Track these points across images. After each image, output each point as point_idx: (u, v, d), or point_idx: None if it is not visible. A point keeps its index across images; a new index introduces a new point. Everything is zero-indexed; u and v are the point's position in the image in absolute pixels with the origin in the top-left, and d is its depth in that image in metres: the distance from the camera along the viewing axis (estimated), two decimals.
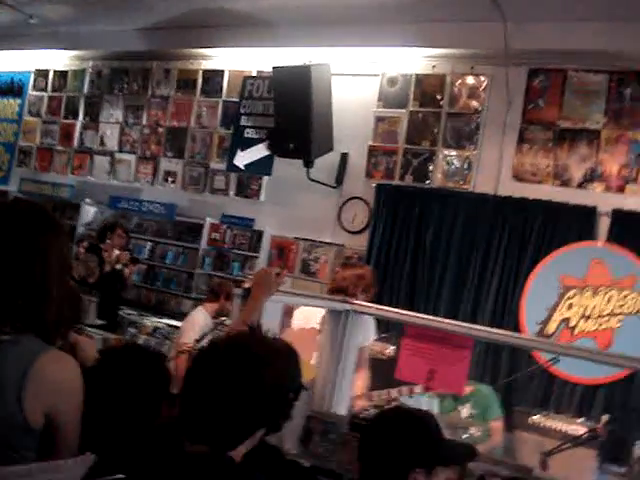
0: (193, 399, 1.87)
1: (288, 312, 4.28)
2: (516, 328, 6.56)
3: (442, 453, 2.19)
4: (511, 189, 7.04)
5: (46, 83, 11.03)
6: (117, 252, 7.91)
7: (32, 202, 2.12)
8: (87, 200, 10.10)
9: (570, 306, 6.58)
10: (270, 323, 2.84)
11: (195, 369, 1.92)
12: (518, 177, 7.08)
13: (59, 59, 10.71)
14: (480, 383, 5.64)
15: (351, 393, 3.86)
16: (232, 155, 8.64)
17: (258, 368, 1.84)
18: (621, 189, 6.65)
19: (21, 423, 1.78)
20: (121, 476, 1.54)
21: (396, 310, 3.85)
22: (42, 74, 11.09)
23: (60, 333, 1.95)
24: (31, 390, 1.78)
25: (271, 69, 7.67)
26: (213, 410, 1.81)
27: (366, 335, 4.49)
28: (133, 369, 2.32)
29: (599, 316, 6.46)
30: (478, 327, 3.69)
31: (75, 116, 10.60)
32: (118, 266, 7.74)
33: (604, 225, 6.62)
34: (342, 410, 3.56)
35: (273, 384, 1.86)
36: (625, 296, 6.38)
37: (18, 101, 11.43)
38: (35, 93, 11.18)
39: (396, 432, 2.19)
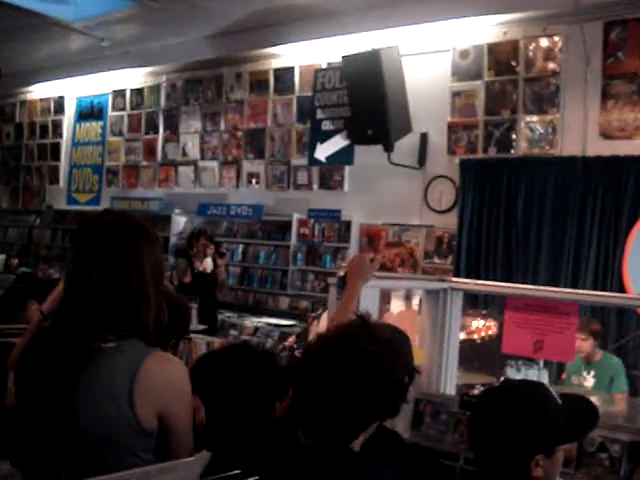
0: (306, 394, 1.86)
1: (385, 297, 4.26)
2: (621, 291, 6.35)
3: (561, 432, 1.99)
4: (600, 148, 6.82)
5: (124, 102, 11.35)
6: (208, 260, 8.04)
7: (122, 212, 2.16)
8: (176, 210, 10.35)
9: None
10: (368, 309, 2.83)
11: (306, 364, 1.90)
12: (606, 135, 6.84)
13: (134, 77, 11.00)
14: (611, 354, 5.54)
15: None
16: (312, 149, 8.69)
17: (369, 363, 1.81)
18: None
19: (136, 426, 1.81)
20: (237, 471, 1.55)
21: (496, 283, 3.77)
22: (119, 94, 11.42)
23: (161, 337, 1.98)
24: (141, 392, 1.81)
25: (340, 59, 7.64)
26: (327, 407, 1.80)
27: None
28: (245, 367, 2.34)
29: None
30: (582, 292, 3.58)
31: (156, 131, 10.86)
32: (208, 269, 7.88)
33: None
34: (450, 390, 3.51)
35: (385, 377, 1.84)
36: None
37: (100, 123, 11.79)
38: (115, 113, 11.52)
39: (509, 418, 1.97)
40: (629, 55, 6.73)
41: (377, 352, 1.84)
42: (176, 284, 7.32)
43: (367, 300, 2.80)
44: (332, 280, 2.90)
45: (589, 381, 5.26)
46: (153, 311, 1.93)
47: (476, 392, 3.27)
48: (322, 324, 4.44)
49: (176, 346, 2.75)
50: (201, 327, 6.74)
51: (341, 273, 2.84)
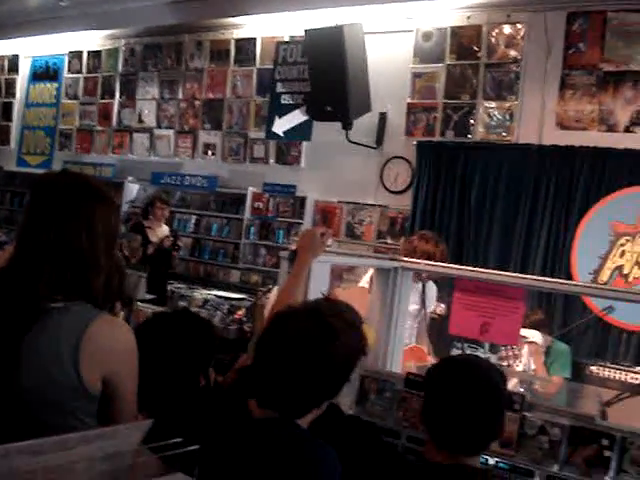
0: (268, 363, 1.88)
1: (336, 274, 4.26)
2: (568, 279, 6.45)
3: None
4: (555, 138, 6.88)
5: (81, 65, 11.09)
6: (163, 227, 7.95)
7: (78, 173, 2.13)
8: (129, 178, 10.20)
9: (623, 253, 6.45)
10: (318, 284, 2.82)
11: (272, 333, 1.92)
12: (562, 125, 6.91)
13: (92, 40, 10.75)
14: (560, 341, 5.64)
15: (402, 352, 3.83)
16: (270, 123, 8.62)
17: (333, 344, 1.85)
18: None
19: (79, 388, 1.80)
20: (179, 440, 1.53)
21: (445, 265, 3.79)
22: (76, 56, 11.15)
23: (108, 301, 1.96)
24: (87, 354, 1.79)
25: (303, 33, 7.57)
26: (286, 379, 1.83)
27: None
28: (182, 331, 2.35)
29: None
30: (529, 277, 3.61)
31: (112, 95, 10.65)
32: (164, 238, 7.80)
33: None
34: (396, 368, 3.53)
35: (345, 359, 1.89)
36: None
37: (55, 85, 11.51)
38: (71, 75, 11.25)
39: (470, 405, 2.07)
40: (590, 47, 6.79)
41: (341, 333, 1.88)
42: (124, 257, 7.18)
43: (317, 276, 2.80)
44: (283, 254, 2.90)
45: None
46: (103, 275, 1.91)
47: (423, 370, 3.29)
48: (271, 299, 4.43)
49: (112, 309, 2.71)
50: (150, 297, 6.67)
51: (292, 247, 2.83)
